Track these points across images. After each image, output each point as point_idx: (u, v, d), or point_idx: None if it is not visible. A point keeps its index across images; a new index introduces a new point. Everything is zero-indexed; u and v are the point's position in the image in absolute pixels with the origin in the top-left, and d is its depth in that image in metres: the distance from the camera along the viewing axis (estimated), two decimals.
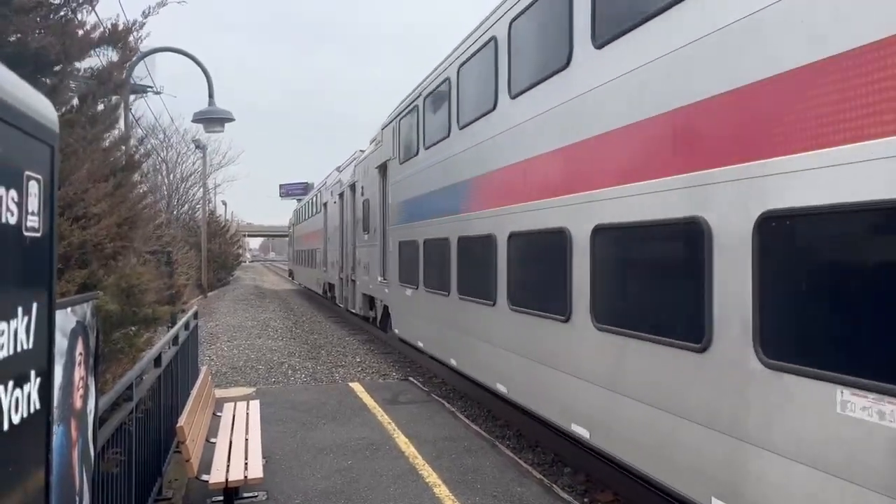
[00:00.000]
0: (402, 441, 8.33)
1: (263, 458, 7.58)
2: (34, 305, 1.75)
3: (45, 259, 1.82)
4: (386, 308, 15.43)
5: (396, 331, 14.15)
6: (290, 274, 51.89)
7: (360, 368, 14.90)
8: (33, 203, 1.72)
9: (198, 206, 43.41)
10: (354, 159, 21.10)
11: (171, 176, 43.45)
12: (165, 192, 44.12)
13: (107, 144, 4.98)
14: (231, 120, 10.83)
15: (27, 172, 1.69)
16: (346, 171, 21.99)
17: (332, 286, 25.03)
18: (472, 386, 10.13)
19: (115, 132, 6.20)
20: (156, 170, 42.49)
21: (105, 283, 4.13)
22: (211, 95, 10.43)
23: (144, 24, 4.92)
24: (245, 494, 6.49)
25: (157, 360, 6.64)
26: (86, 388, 3.42)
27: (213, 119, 10.82)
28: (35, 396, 1.77)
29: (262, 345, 16.84)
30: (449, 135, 10.29)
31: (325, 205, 26.77)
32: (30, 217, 1.70)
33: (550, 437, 8.62)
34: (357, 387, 11.69)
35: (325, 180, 28.22)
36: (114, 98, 5.28)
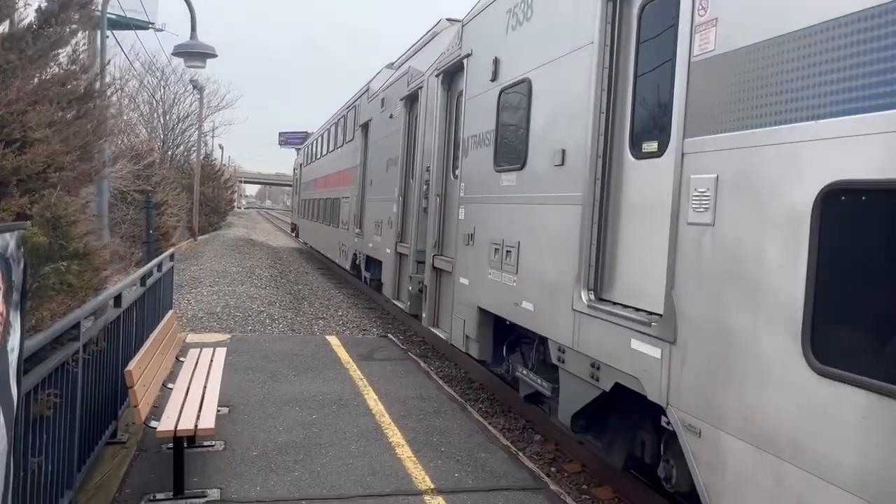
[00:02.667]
0: (371, 398, 8.16)
1: (226, 407, 7.43)
2: None
3: None
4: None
5: None
6: (294, 230, 39.04)
7: (340, 322, 14.73)
8: None
9: (193, 147, 42.89)
10: (438, 33, 12.22)
11: (167, 116, 42.82)
12: (161, 132, 43.54)
13: (59, 70, 4.63)
14: (213, 56, 10.39)
15: None
16: (428, 52, 12.00)
17: (369, 262, 15.33)
18: (451, 346, 9.95)
19: (82, 60, 5.85)
20: (152, 109, 41.84)
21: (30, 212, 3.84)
22: (193, 28, 9.95)
23: None
24: (204, 443, 6.32)
25: (118, 300, 6.40)
26: (6, 323, 3.17)
27: (194, 53, 10.36)
28: None
29: (243, 292, 16.62)
30: None
31: (365, 125, 16.13)
32: None
33: (523, 404, 8.46)
34: (334, 340, 11.50)
35: (368, 85, 16.61)
36: (77, 19, 4.93)
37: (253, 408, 7.54)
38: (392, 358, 10.41)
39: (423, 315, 10.28)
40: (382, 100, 14.47)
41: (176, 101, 41.87)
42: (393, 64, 16.14)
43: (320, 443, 6.61)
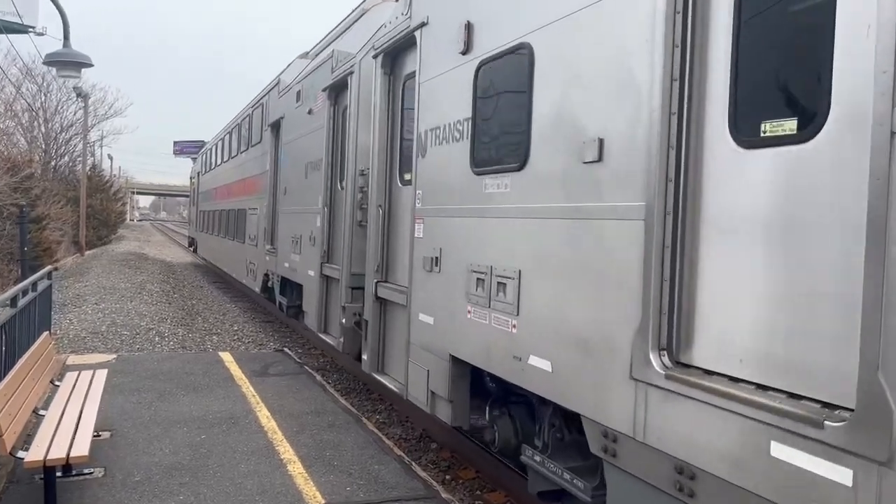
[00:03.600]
0: (264, 415, 7.99)
1: (107, 431, 7.11)
2: None
3: None
4: None
5: None
6: (192, 244, 34.85)
7: (235, 337, 14.35)
8: None
9: (79, 158, 40.74)
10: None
11: (49, 125, 40.56)
12: (43, 142, 41.18)
13: None
14: (88, 65, 9.89)
15: None
16: (356, 34, 10.57)
17: (285, 285, 12.77)
18: (350, 360, 9.88)
19: None
20: (32, 117, 39.52)
21: None
22: (66, 37, 9.44)
23: None
24: (84, 471, 6.01)
25: None
26: None
27: (68, 63, 9.84)
28: None
29: (132, 309, 15.92)
30: None
31: (276, 125, 13.89)
32: None
33: (420, 414, 8.50)
34: (227, 356, 11.19)
35: (279, 78, 14.33)
36: None
37: (137, 430, 7.24)
38: (287, 373, 10.23)
39: (365, 357, 8.12)
40: (298, 93, 12.04)
41: (59, 109, 39.73)
42: (308, 53, 13.89)
43: (208, 464, 6.41)
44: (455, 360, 5.99)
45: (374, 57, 7.92)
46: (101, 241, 41.10)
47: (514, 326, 5.05)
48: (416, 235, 6.77)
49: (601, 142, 4.21)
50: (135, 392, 8.72)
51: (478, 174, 5.60)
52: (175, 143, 76.24)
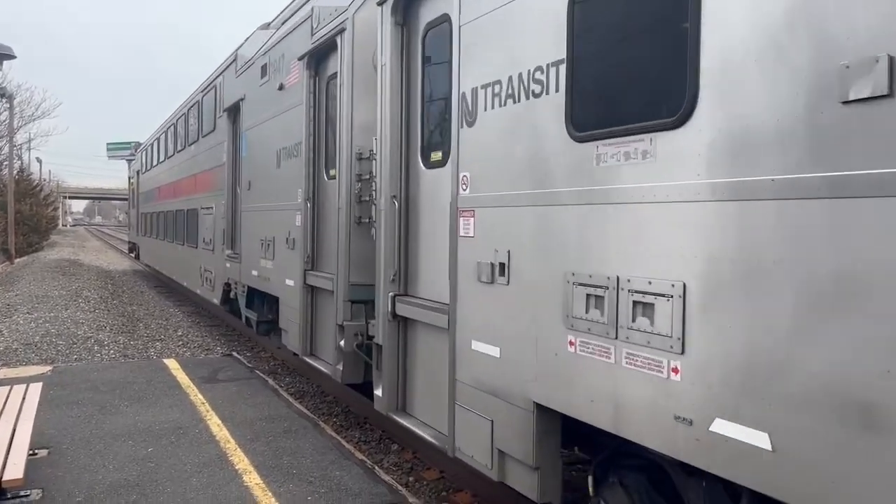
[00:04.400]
0: (214, 423, 7.58)
1: (44, 449, 6.61)
2: None
3: None
4: None
5: None
6: (133, 249, 31.96)
7: (181, 342, 13.76)
8: None
9: (5, 162, 38.86)
10: None
11: None
12: None
13: None
14: (11, 56, 9.27)
15: None
16: None
17: (253, 296, 10.99)
18: (301, 361, 9.46)
19: None
20: None
21: None
22: None
23: None
24: (20, 493, 5.53)
25: None
26: None
27: None
28: None
29: (68, 317, 15.13)
30: None
31: (234, 108, 12.01)
32: None
33: (379, 414, 8.21)
34: (172, 363, 10.67)
35: (236, 53, 12.19)
36: None
37: (78, 447, 6.76)
38: (237, 378, 9.80)
39: (378, 393, 6.45)
40: (264, 67, 10.20)
41: None
42: (270, 24, 11.97)
43: (157, 479, 6.00)
44: (543, 411, 4.25)
45: (381, 3, 6.26)
46: (31, 248, 39.30)
47: (676, 371, 3.31)
48: (461, 234, 5.06)
49: (892, 61, 2.44)
50: (74, 405, 8.18)
51: (582, 139, 3.87)
52: (108, 144, 73.70)
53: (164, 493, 5.72)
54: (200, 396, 8.67)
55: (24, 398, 6.39)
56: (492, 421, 4.68)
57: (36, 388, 6.75)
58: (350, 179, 7.28)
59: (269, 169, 9.92)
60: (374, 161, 6.64)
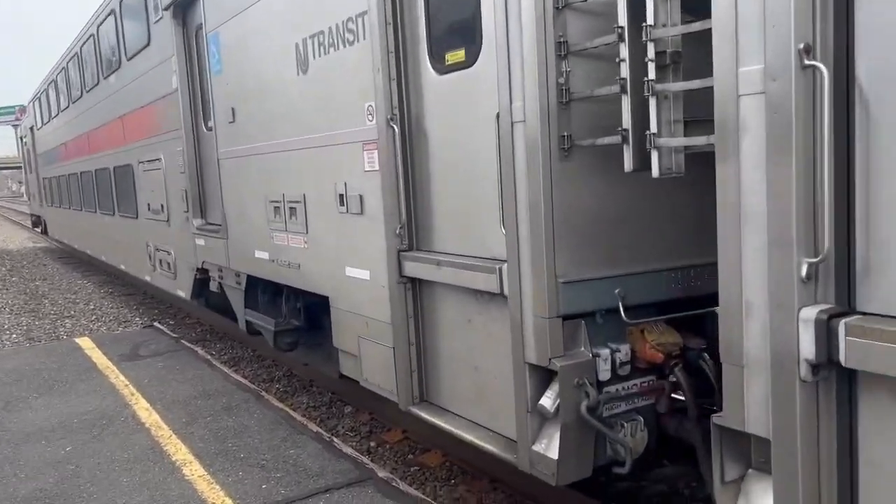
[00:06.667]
0: (142, 408, 6.70)
1: None
2: None
3: None
4: None
5: None
6: (38, 223, 27.47)
7: (93, 318, 12.55)
8: None
9: None
10: None
11: None
12: None
13: None
14: None
15: None
16: None
17: (251, 287, 7.46)
18: (231, 323, 8.50)
19: None
20: None
21: None
22: None
23: None
24: None
25: None
26: None
27: None
28: None
29: None
30: None
31: (184, 3, 8.06)
32: None
33: (325, 378, 7.49)
34: (86, 342, 9.59)
35: None
36: None
37: None
38: (163, 352, 8.84)
39: None
40: None
41: None
42: None
43: (80, 483, 5.15)
44: None
45: None
46: None
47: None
48: None
49: None
50: None
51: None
52: None
53: (90, 500, 4.88)
54: (122, 378, 7.72)
55: None
56: None
57: None
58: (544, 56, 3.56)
59: (279, 81, 6.17)
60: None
